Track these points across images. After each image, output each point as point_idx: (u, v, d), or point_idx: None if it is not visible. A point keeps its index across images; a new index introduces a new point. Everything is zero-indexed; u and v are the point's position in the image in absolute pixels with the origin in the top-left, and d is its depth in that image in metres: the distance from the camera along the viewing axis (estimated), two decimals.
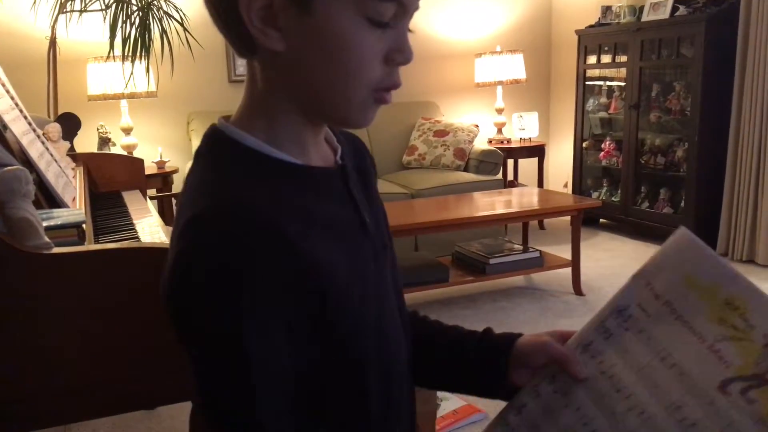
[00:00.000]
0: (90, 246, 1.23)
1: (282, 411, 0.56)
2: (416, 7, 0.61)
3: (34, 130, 1.72)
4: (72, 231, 1.20)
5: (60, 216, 1.26)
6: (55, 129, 2.06)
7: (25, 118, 1.71)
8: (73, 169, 2.05)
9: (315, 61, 0.58)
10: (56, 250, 1.10)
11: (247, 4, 0.56)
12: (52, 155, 1.71)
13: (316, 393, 0.60)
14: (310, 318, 0.57)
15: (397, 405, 0.69)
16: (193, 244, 0.54)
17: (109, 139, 3.77)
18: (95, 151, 3.63)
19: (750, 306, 0.59)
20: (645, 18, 4.04)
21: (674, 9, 3.85)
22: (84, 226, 1.25)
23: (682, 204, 3.89)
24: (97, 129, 3.74)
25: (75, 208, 1.47)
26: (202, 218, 0.55)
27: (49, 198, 1.49)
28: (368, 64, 0.58)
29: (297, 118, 0.62)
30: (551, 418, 0.66)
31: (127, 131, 3.80)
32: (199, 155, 0.63)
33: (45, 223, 1.18)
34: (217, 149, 0.62)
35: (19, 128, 1.58)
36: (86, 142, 3.66)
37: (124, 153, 3.68)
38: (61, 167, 1.74)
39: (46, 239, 1.10)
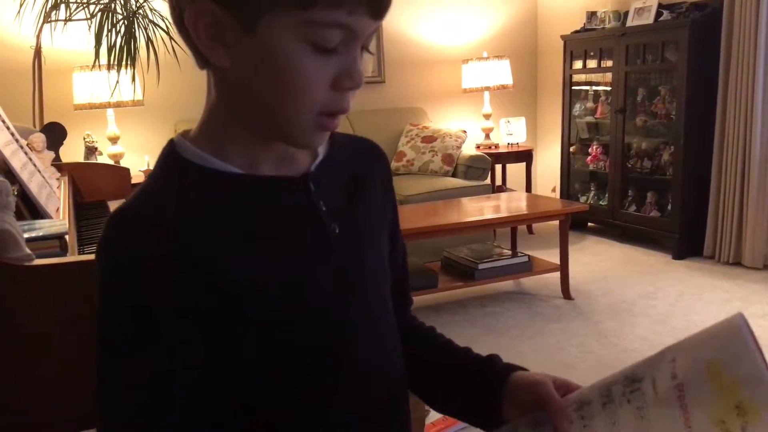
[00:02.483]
0: (72, 257, 1.22)
1: (155, 417, 0.59)
2: (371, 32, 0.60)
3: (17, 141, 1.70)
4: (54, 242, 1.19)
5: (42, 227, 1.25)
6: (39, 139, 2.04)
7: (8, 128, 1.70)
8: (57, 179, 2.04)
9: (259, 82, 0.58)
10: (37, 261, 1.09)
11: (194, 20, 0.57)
12: (35, 166, 1.70)
13: (222, 406, 0.62)
14: (210, 328, 0.59)
15: (378, 417, 0.69)
16: (100, 240, 0.59)
17: (96, 148, 3.75)
18: (82, 160, 3.61)
19: (760, 418, 0.53)
20: (630, 23, 4.08)
21: (658, 14, 3.89)
22: (66, 237, 1.24)
23: (669, 207, 3.92)
24: (84, 138, 3.73)
25: (58, 219, 1.46)
26: (110, 219, 0.59)
27: (32, 209, 1.48)
28: (312, 89, 0.58)
29: (245, 131, 0.63)
30: None
31: (113, 140, 3.78)
32: (153, 168, 0.66)
33: (26, 235, 1.17)
34: (162, 160, 0.65)
35: (2, 139, 1.57)
36: (73, 152, 3.64)
37: (111, 162, 3.66)
38: (44, 177, 1.72)
39: (27, 251, 1.09)
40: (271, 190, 0.64)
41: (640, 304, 3.18)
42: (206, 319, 0.59)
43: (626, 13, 4.14)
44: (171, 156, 0.64)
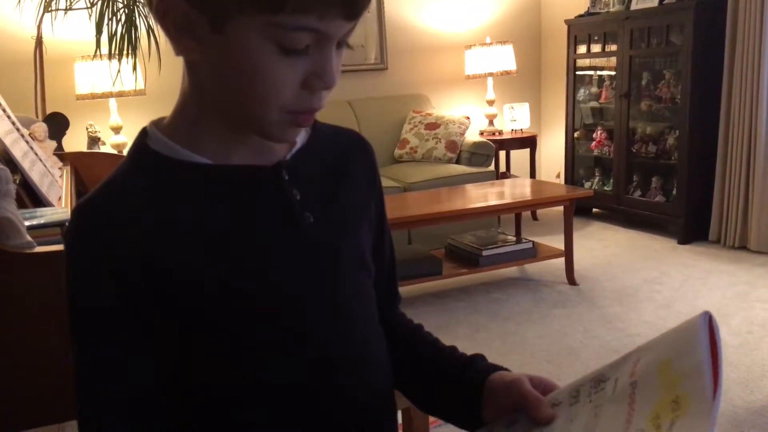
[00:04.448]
0: None
1: (109, 406, 0.60)
2: (348, 31, 0.58)
3: (18, 130, 1.70)
4: (56, 230, 1.19)
5: (43, 215, 1.25)
6: (41, 128, 2.04)
7: (9, 117, 1.70)
8: (60, 168, 2.04)
9: (228, 78, 0.58)
10: (38, 249, 1.09)
11: (163, 12, 0.56)
12: (37, 155, 1.70)
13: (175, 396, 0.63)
14: (174, 323, 0.60)
15: (361, 409, 0.68)
16: (65, 231, 0.63)
17: (99, 138, 3.75)
18: (85, 150, 3.61)
19: (688, 412, 0.50)
20: (634, 6, 4.04)
21: None
22: (67, 224, 1.24)
23: (674, 192, 3.90)
24: (86, 128, 3.72)
25: (60, 207, 1.46)
26: (73, 211, 0.62)
27: (33, 197, 1.48)
28: (278, 90, 0.57)
29: (217, 120, 0.62)
30: None
31: (116, 130, 3.78)
32: (124, 158, 0.65)
33: (27, 223, 1.16)
34: (132, 151, 0.65)
35: (2, 128, 1.57)
36: (76, 142, 3.64)
37: (114, 152, 3.66)
38: (46, 167, 1.72)
39: (28, 238, 1.09)
40: (242, 180, 0.63)
41: (645, 289, 3.17)
42: (169, 313, 0.60)
43: None
44: (140, 148, 0.64)
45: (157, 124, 0.65)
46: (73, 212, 0.61)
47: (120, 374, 0.60)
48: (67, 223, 1.24)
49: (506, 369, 0.70)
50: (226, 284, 0.60)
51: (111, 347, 0.60)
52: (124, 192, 0.61)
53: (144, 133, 0.64)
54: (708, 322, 0.54)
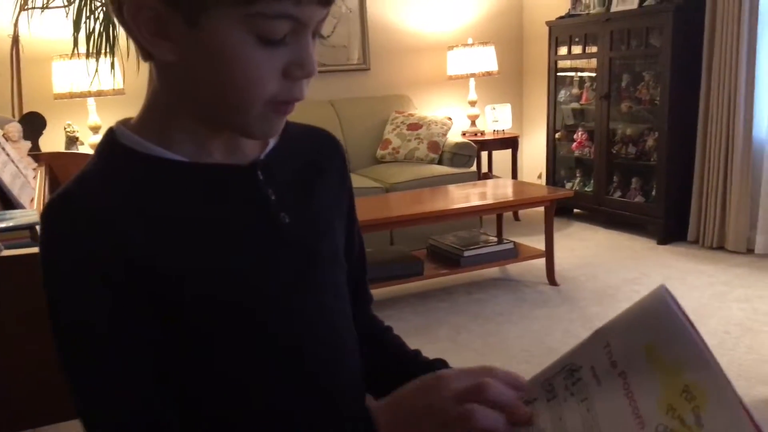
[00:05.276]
0: None
1: (120, 411, 0.58)
2: (320, 19, 0.58)
3: None
4: (25, 232, 1.17)
5: (13, 217, 1.22)
6: (14, 129, 2.01)
7: None
8: (34, 169, 2.01)
9: (205, 75, 0.57)
10: (6, 252, 1.07)
11: (134, 15, 0.55)
12: (8, 155, 1.67)
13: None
14: (155, 318, 0.58)
15: (336, 408, 0.68)
16: (40, 227, 0.60)
17: (77, 138, 3.70)
18: (63, 150, 3.56)
19: (709, 402, 0.50)
20: (614, 8, 4.07)
21: None
22: (38, 227, 1.22)
23: (654, 193, 3.93)
24: (65, 128, 3.67)
25: (31, 209, 1.44)
26: (46, 206, 0.59)
27: (4, 200, 1.45)
28: (259, 81, 0.56)
29: (192, 119, 0.61)
30: None
31: (95, 129, 3.73)
32: (92, 156, 0.64)
33: None
34: (100, 149, 0.63)
35: None
36: (54, 142, 3.59)
37: (92, 152, 3.61)
38: (19, 168, 1.69)
39: None
40: (217, 179, 0.63)
41: (625, 289, 3.20)
42: (149, 308, 0.58)
43: None
44: (110, 143, 0.62)
45: (124, 123, 0.64)
46: (48, 209, 0.58)
47: (124, 381, 0.58)
48: (37, 226, 1.22)
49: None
50: (208, 281, 0.60)
51: (109, 350, 0.58)
52: (101, 187, 0.59)
53: (111, 132, 0.63)
54: (671, 297, 0.53)
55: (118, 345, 0.58)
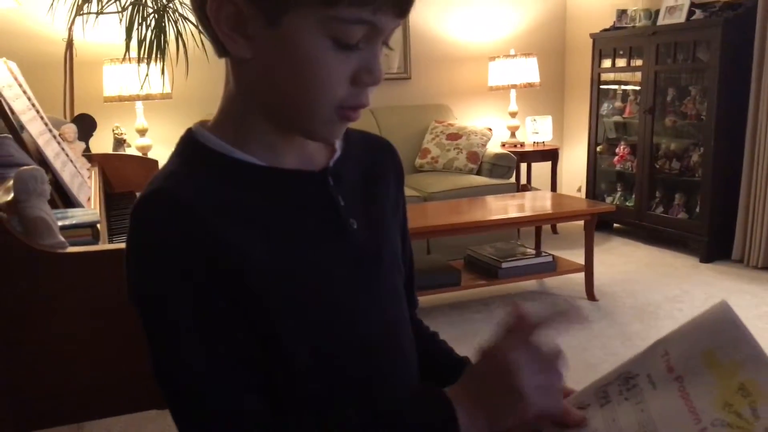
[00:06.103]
0: (104, 246, 1.24)
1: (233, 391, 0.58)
2: (393, 27, 0.59)
3: (51, 131, 1.73)
4: (87, 230, 1.21)
5: (75, 216, 1.27)
6: (70, 130, 2.08)
7: (42, 118, 1.73)
8: (88, 169, 2.07)
9: (280, 74, 0.58)
10: (71, 249, 1.11)
11: (216, 10, 0.57)
12: (67, 155, 1.72)
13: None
14: (232, 308, 0.58)
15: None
16: (132, 221, 0.60)
17: (124, 140, 3.80)
18: (110, 152, 3.66)
19: (764, 395, 0.53)
20: (660, 22, 4.01)
21: (690, 13, 3.82)
22: (98, 225, 1.26)
23: (698, 209, 3.85)
24: (113, 130, 3.77)
25: (90, 208, 1.48)
26: (141, 199, 0.60)
27: (64, 198, 1.51)
28: (332, 85, 0.58)
29: (265, 122, 0.63)
30: None
31: (142, 132, 3.82)
32: (172, 155, 0.65)
33: (60, 223, 1.19)
34: (181, 148, 0.65)
35: (36, 129, 1.60)
36: (102, 143, 3.69)
37: (139, 154, 3.70)
38: (76, 167, 1.75)
39: (61, 238, 1.11)
40: (293, 184, 0.64)
41: (667, 307, 3.14)
42: (233, 303, 0.58)
43: (657, 12, 4.07)
44: (191, 143, 0.64)
45: (202, 125, 0.66)
46: (145, 200, 0.59)
47: (224, 367, 0.58)
48: (98, 224, 1.26)
49: None
50: (289, 283, 0.60)
51: (208, 337, 0.57)
52: (189, 182, 0.60)
53: (190, 132, 0.65)
54: (733, 311, 0.58)
55: (215, 332, 0.58)
